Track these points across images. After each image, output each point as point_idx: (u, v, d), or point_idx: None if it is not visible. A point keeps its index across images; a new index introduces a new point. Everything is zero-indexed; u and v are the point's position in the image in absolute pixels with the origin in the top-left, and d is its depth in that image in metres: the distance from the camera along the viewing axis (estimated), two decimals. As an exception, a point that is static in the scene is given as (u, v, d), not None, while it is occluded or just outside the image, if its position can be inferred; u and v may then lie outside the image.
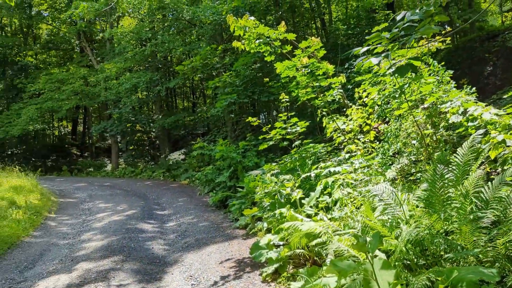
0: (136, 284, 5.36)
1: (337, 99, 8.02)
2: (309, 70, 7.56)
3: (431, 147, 5.90)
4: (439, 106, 5.89)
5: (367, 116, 7.36)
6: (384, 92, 6.60)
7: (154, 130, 25.85)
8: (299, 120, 8.44)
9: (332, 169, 6.36)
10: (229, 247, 6.83)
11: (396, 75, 5.84)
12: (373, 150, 7.15)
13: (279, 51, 7.66)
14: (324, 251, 4.59)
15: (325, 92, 7.88)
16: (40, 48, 31.67)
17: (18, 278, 5.92)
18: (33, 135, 29.16)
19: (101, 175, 24.33)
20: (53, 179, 20.92)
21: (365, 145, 7.16)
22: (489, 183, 3.85)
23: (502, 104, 8.01)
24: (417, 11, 3.56)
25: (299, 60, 7.38)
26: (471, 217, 3.54)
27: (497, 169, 4.86)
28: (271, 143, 8.72)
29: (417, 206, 4.18)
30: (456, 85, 6.44)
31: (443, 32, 6.96)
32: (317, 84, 7.74)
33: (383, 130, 7.05)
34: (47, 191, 13.34)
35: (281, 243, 5.52)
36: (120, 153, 27.79)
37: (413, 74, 5.87)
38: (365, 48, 3.87)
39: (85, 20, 24.75)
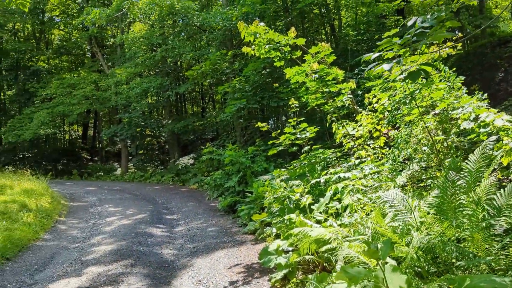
0: (145, 288, 5.37)
1: (346, 105, 8.01)
2: (319, 76, 7.56)
3: (442, 153, 5.85)
4: (450, 112, 5.85)
5: (377, 122, 7.33)
6: (394, 98, 6.57)
7: (163, 134, 25.99)
8: (309, 125, 8.43)
9: (341, 175, 6.34)
10: (238, 252, 6.83)
11: (407, 80, 5.82)
12: (383, 156, 7.11)
13: (289, 57, 7.67)
14: (333, 258, 4.57)
15: (335, 98, 7.87)
16: (52, 53, 32.10)
17: (29, 281, 5.97)
18: (44, 139, 29.48)
19: (110, 179, 24.49)
20: (64, 183, 21.11)
21: (375, 151, 7.12)
22: (502, 190, 3.81)
23: (514, 111, 7.92)
24: (428, 16, 3.55)
25: (309, 65, 7.38)
26: (483, 224, 3.50)
27: (509, 176, 4.81)
28: (280, 148, 8.72)
29: (428, 213, 4.14)
30: (467, 91, 6.39)
31: (454, 38, 6.92)
32: (327, 89, 7.73)
33: (393, 136, 7.01)
34: (57, 195, 13.46)
35: (290, 248, 5.50)
36: (129, 157, 27.95)
37: (424, 80, 5.85)
38: (376, 54, 3.86)
39: (97, 25, 25.02)
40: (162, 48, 19.63)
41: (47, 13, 30.34)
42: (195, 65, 22.26)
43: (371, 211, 4.93)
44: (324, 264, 4.97)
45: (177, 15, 17.67)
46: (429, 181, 5.63)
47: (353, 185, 5.86)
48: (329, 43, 7.81)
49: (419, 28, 3.46)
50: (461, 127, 5.44)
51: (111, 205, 12.44)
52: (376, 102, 7.19)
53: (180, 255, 6.94)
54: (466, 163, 4.31)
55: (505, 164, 4.49)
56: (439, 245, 3.46)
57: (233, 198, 10.22)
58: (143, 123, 24.27)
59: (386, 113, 7.15)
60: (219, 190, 12.05)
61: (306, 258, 5.06)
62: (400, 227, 4.05)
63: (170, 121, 23.57)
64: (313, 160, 8.07)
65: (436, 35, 3.42)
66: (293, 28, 7.35)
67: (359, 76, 11.41)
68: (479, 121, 5.14)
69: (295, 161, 8.54)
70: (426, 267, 3.60)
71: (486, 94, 6.26)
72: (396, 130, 7.26)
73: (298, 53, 7.66)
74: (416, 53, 4.52)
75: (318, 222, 5.61)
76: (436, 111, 5.93)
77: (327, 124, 8.12)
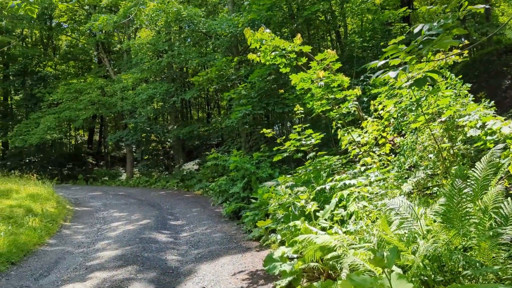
0: (149, 294, 5.37)
1: (352, 112, 8.00)
2: (324, 83, 7.56)
3: (448, 161, 5.82)
4: (456, 119, 5.82)
5: (382, 128, 7.31)
6: (400, 105, 6.55)
7: (169, 140, 26.07)
8: (314, 132, 8.42)
9: (347, 182, 6.31)
10: (242, 258, 6.80)
11: (413, 88, 5.81)
12: (388, 163, 7.08)
13: (294, 63, 7.69)
14: (339, 265, 4.54)
15: (340, 104, 7.86)
16: (59, 58, 32.40)
17: (33, 285, 5.98)
18: (50, 143, 29.66)
19: (115, 184, 24.56)
20: (69, 188, 21.20)
21: (380, 158, 7.10)
22: (509, 198, 3.77)
23: (521, 118, 7.86)
24: (435, 24, 3.55)
25: (314, 72, 7.39)
26: (491, 233, 3.47)
27: (516, 184, 4.77)
28: (285, 154, 8.71)
29: (435, 221, 4.11)
30: (474, 98, 6.36)
31: (460, 45, 6.91)
32: (332, 96, 7.73)
33: (399, 143, 6.98)
34: (63, 200, 13.52)
35: (295, 256, 5.48)
36: (135, 162, 28.05)
37: (430, 87, 5.83)
38: (382, 62, 3.86)
39: (104, 32, 25.25)
40: (168, 54, 19.75)
41: (55, 19, 30.66)
42: (201, 71, 22.38)
43: (377, 218, 4.90)
44: (329, 272, 4.94)
45: (183, 21, 17.80)
46: (435, 188, 5.60)
47: (359, 192, 5.84)
48: (334, 50, 7.81)
49: (425, 36, 3.46)
50: (468, 135, 5.42)
51: (116, 210, 12.47)
52: (382, 109, 7.18)
53: (184, 261, 6.93)
54: (473, 171, 4.28)
55: (512, 172, 4.46)
56: (445, 254, 3.43)
57: (237, 204, 10.21)
58: (148, 129, 24.38)
59: (392, 120, 7.13)
60: (223, 196, 12.05)
61: (311, 266, 5.03)
62: (406, 235, 4.02)
63: (175, 127, 23.65)
64: (318, 167, 8.05)
65: (442, 42, 3.42)
66: (299, 35, 7.36)
67: (364, 83, 11.41)
68: (486, 129, 5.11)
69: (300, 167, 8.53)
70: (433, 276, 3.57)
71: (492, 102, 6.24)
72: (402, 137, 7.23)
73: (304, 60, 7.68)
74: (422, 60, 4.51)
75: (323, 229, 5.58)
76: (442, 118, 5.90)
77: (333, 131, 8.11)
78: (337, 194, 6.06)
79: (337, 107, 7.89)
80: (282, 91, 12.97)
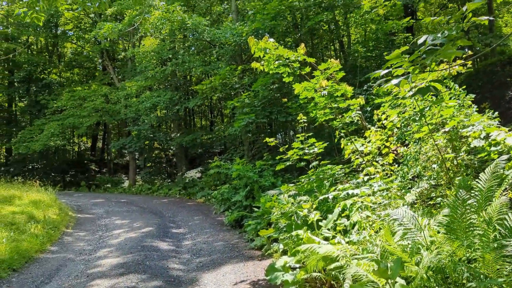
0: (150, 302, 5.33)
1: (355, 121, 7.99)
2: (328, 92, 7.57)
3: (451, 171, 5.80)
4: (460, 130, 5.81)
5: (386, 138, 7.30)
6: (404, 115, 6.55)
7: (172, 147, 26.07)
8: (317, 141, 8.41)
9: (350, 192, 6.28)
10: (244, 268, 6.77)
11: (417, 98, 5.82)
12: (392, 173, 7.05)
13: (298, 73, 7.71)
14: (341, 276, 4.50)
15: (344, 114, 7.86)
16: (64, 66, 32.61)
17: (35, 292, 5.96)
18: (53, 150, 29.72)
19: (118, 191, 24.56)
20: (72, 194, 21.21)
21: (383, 168, 7.08)
22: (513, 210, 3.75)
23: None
24: (439, 35, 3.55)
25: (317, 82, 7.40)
26: (495, 245, 3.44)
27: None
28: (288, 163, 8.69)
29: (438, 232, 4.08)
30: (477, 109, 6.35)
31: (464, 56, 6.92)
32: (336, 105, 7.73)
33: (402, 153, 6.97)
34: (65, 206, 13.52)
35: (298, 265, 5.44)
36: (137, 170, 28.07)
37: (434, 98, 5.83)
38: (385, 71, 3.86)
39: (109, 39, 25.43)
40: (172, 62, 19.85)
41: (60, 27, 30.94)
42: (205, 79, 22.46)
43: (380, 228, 4.87)
44: (332, 282, 4.90)
45: (188, 30, 17.91)
46: (439, 199, 5.57)
47: (362, 202, 5.81)
48: (338, 59, 7.84)
49: (428, 46, 3.47)
50: (472, 145, 5.40)
51: (118, 218, 12.45)
52: (385, 119, 7.17)
53: (186, 269, 6.89)
54: (477, 181, 4.26)
55: (516, 184, 4.43)
56: (449, 265, 3.40)
57: (240, 212, 10.18)
58: (151, 136, 24.41)
59: (395, 129, 7.12)
60: (226, 204, 12.01)
61: (313, 276, 4.99)
62: (410, 246, 3.99)
63: (178, 134, 23.68)
64: (321, 176, 8.03)
65: (446, 53, 3.42)
66: (302, 45, 7.39)
67: (368, 93, 11.43)
68: (490, 140, 5.10)
69: (303, 176, 8.50)
70: (436, 288, 3.54)
71: (496, 113, 6.23)
72: (405, 147, 7.21)
73: (307, 69, 7.70)
74: (425, 70, 4.52)
75: (326, 239, 5.56)
76: (446, 129, 5.89)
77: (336, 140, 8.10)
78: (340, 204, 6.03)
79: (340, 116, 7.89)
80: (286, 100, 12.99)
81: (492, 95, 12.42)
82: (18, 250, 7.67)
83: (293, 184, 8.88)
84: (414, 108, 6.22)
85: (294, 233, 5.79)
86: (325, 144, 8.49)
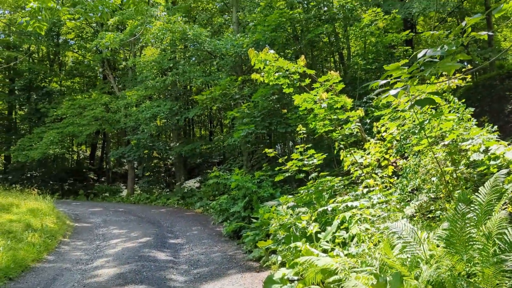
0: (147, 314, 5.28)
1: (355, 133, 8.01)
2: (327, 104, 7.61)
3: (451, 184, 5.79)
4: (459, 143, 5.82)
5: (385, 150, 7.31)
6: (403, 128, 6.57)
7: (170, 157, 26.04)
8: (316, 152, 8.42)
9: (349, 204, 6.27)
10: (242, 279, 6.71)
11: (416, 111, 5.83)
12: (391, 185, 7.05)
13: (298, 84, 7.75)
14: (340, 289, 4.46)
15: (343, 125, 7.88)
16: (65, 74, 32.71)
17: (30, 302, 5.90)
18: (52, 158, 29.67)
19: (116, 201, 24.46)
20: (70, 203, 21.12)
21: (383, 180, 7.07)
22: (513, 224, 3.74)
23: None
24: (439, 49, 3.57)
25: (317, 93, 7.44)
26: (495, 259, 3.42)
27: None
28: (287, 174, 8.69)
29: (438, 246, 4.06)
30: (477, 122, 6.38)
31: (463, 69, 6.97)
32: (335, 117, 7.76)
33: (402, 165, 6.97)
34: (63, 215, 13.44)
35: (296, 278, 5.40)
36: (136, 179, 28.00)
37: (433, 111, 5.85)
38: (383, 81, 3.87)
39: (110, 49, 25.56)
40: (173, 72, 19.93)
41: (62, 36, 31.11)
42: (205, 89, 22.54)
43: (379, 241, 4.85)
44: (330, 295, 4.86)
45: (189, 40, 18.02)
46: (438, 212, 5.56)
47: (361, 214, 5.80)
48: (338, 71, 7.89)
49: (427, 58, 3.49)
50: (471, 159, 5.41)
51: (116, 227, 12.38)
52: (385, 131, 7.19)
53: (183, 280, 6.84)
54: (476, 195, 4.26)
55: (516, 198, 4.43)
56: (449, 280, 3.38)
57: (238, 223, 10.13)
58: (151, 145, 24.41)
59: (395, 142, 7.13)
60: (224, 214, 11.96)
61: (311, 288, 4.95)
62: (409, 259, 3.97)
63: (177, 144, 23.68)
64: (320, 188, 8.03)
65: (445, 66, 3.44)
66: (303, 57, 7.45)
67: (367, 105, 11.47)
68: (489, 153, 5.11)
69: (302, 187, 8.49)
70: (436, 302, 3.51)
71: (495, 126, 6.25)
72: (404, 160, 7.22)
73: (307, 81, 7.75)
74: (424, 83, 4.54)
75: (324, 251, 5.53)
76: (446, 142, 5.90)
77: (335, 152, 8.11)
78: (339, 216, 6.02)
79: (339, 128, 7.91)
80: (285, 111, 13.03)
81: (491, 108, 12.47)
82: (15, 259, 7.61)
83: (292, 196, 8.87)
84: (414, 121, 6.24)
85: (292, 245, 5.77)
86: (324, 156, 8.49)
